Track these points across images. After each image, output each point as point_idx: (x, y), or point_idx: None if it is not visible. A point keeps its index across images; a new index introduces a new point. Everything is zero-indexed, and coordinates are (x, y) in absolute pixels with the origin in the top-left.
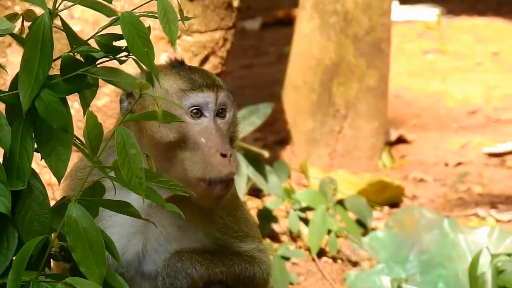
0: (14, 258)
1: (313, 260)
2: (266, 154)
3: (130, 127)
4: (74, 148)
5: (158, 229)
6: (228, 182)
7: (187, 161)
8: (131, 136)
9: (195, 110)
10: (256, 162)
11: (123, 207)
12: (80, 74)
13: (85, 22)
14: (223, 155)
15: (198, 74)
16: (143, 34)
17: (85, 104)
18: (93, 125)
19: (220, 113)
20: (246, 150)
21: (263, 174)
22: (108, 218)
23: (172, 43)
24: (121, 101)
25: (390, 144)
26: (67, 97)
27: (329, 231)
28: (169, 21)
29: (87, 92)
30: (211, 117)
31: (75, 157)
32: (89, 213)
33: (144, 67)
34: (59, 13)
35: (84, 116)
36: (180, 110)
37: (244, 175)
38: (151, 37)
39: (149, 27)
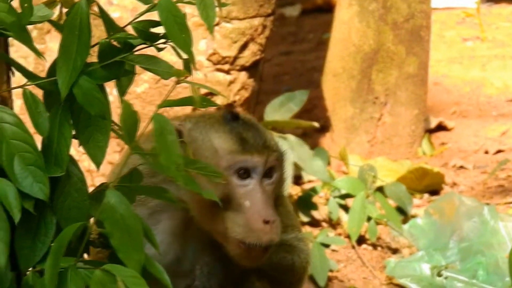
0: (52, 244)
1: (353, 247)
2: (316, 124)
3: None
4: (112, 134)
5: (196, 229)
6: (267, 248)
7: (230, 222)
8: (169, 122)
9: (242, 172)
10: (301, 146)
11: (160, 193)
12: (118, 61)
13: (124, 9)
14: (266, 222)
15: (250, 133)
16: (180, 20)
17: (121, 91)
18: (128, 114)
19: (267, 173)
20: (292, 133)
21: (308, 158)
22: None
23: (209, 29)
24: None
25: (430, 131)
26: (106, 84)
27: (369, 218)
28: (206, 7)
29: (124, 80)
30: (258, 179)
31: (114, 144)
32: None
33: (183, 54)
34: (96, 0)
35: (120, 103)
36: (227, 171)
37: (291, 162)
38: (190, 23)
39: (185, 14)
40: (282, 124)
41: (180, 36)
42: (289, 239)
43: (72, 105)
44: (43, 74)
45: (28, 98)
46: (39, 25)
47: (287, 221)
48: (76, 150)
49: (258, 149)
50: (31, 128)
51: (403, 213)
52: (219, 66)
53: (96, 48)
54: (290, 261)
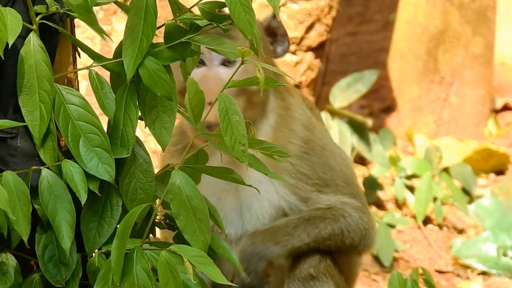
0: (118, 226)
1: (419, 227)
2: (369, 122)
3: None
4: (178, 115)
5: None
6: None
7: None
8: (234, 103)
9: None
10: (361, 130)
11: (226, 173)
12: (184, 42)
13: None
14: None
15: None
16: (245, 2)
17: (186, 72)
18: (194, 92)
19: (225, 63)
20: (351, 118)
21: (367, 143)
22: (216, 201)
23: (274, 10)
24: None
25: (496, 111)
26: (171, 64)
27: (435, 199)
28: None
29: (188, 60)
30: (209, 66)
31: None
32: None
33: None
34: None
35: (185, 83)
36: None
37: (348, 143)
38: (256, 4)
39: None
40: (336, 113)
41: (244, 18)
42: (332, 204)
43: (138, 86)
44: (109, 56)
45: (94, 80)
46: (105, 6)
47: (325, 177)
48: (142, 131)
49: None
50: (97, 110)
51: (469, 194)
52: None
53: (162, 29)
54: (338, 230)
